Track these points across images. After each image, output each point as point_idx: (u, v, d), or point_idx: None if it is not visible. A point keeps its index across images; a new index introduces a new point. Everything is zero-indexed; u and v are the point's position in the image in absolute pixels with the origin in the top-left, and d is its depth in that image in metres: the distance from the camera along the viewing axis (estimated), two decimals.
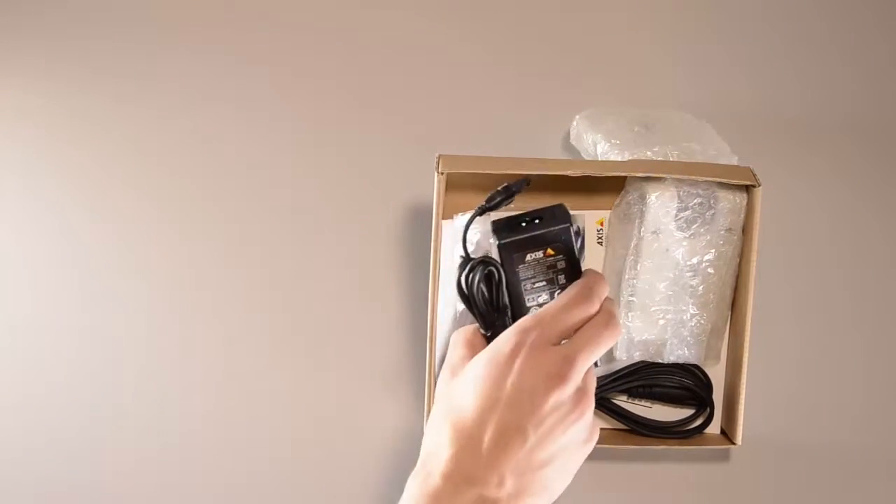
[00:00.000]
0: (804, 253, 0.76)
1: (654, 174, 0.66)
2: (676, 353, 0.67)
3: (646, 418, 0.69)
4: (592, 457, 0.71)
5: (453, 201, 0.68)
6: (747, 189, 0.67)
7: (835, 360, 0.74)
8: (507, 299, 0.56)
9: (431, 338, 0.65)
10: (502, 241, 0.56)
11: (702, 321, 0.67)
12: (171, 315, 0.73)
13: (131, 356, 0.72)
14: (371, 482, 0.71)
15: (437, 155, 0.66)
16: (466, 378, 0.50)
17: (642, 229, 0.67)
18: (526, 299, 0.56)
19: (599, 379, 0.68)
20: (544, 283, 0.56)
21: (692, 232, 0.66)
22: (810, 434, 0.72)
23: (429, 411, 0.66)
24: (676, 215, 0.66)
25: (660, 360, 0.68)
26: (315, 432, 0.71)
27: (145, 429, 0.71)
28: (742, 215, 0.67)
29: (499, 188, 0.57)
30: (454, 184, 0.67)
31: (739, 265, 0.68)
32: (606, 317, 0.51)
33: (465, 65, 0.80)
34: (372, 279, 0.74)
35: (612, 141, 0.71)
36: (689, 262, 0.67)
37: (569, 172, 0.65)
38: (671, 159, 0.69)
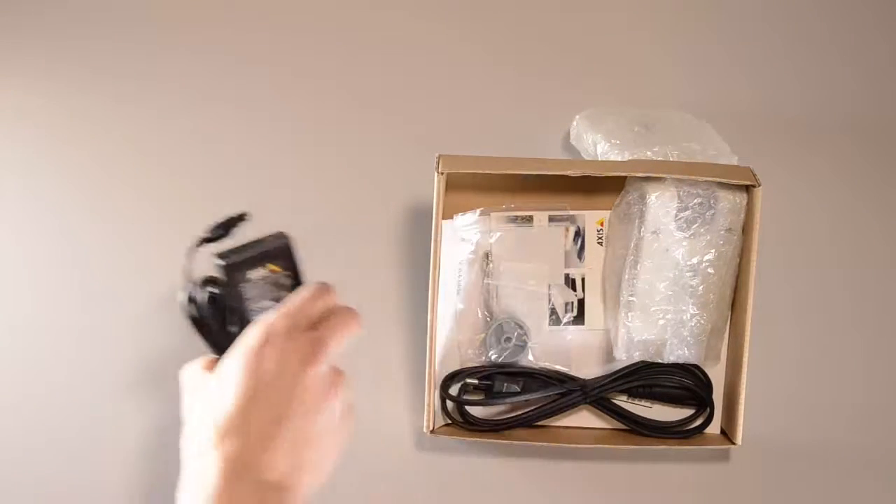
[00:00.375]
0: (804, 253, 0.76)
1: (654, 174, 0.66)
2: (676, 353, 0.67)
3: (646, 418, 0.69)
4: (593, 457, 0.71)
5: (453, 201, 0.68)
6: (747, 189, 0.67)
7: (835, 360, 0.74)
8: (235, 319, 0.55)
9: (431, 338, 0.66)
10: (226, 262, 0.55)
11: (702, 321, 0.67)
12: (171, 315, 0.73)
13: (131, 356, 0.72)
14: (371, 482, 0.71)
15: (437, 155, 0.66)
16: (219, 379, 0.50)
17: (642, 229, 0.67)
18: (253, 320, 0.54)
19: (599, 379, 0.68)
20: (271, 301, 0.56)
21: (692, 232, 0.66)
22: (810, 434, 0.72)
23: (430, 411, 0.66)
24: (676, 215, 0.66)
25: (660, 360, 0.67)
26: None
27: (145, 429, 0.71)
28: (742, 215, 0.67)
29: (219, 221, 0.58)
30: (454, 184, 0.67)
31: (739, 265, 0.68)
32: (347, 308, 0.54)
33: (465, 65, 0.80)
34: (372, 279, 0.74)
35: (612, 141, 0.71)
36: (689, 262, 0.67)
37: (569, 172, 0.65)
38: (671, 159, 0.69)
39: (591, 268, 0.71)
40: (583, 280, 0.70)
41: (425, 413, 0.66)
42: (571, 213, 0.71)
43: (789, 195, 0.76)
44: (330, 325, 0.53)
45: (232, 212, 0.58)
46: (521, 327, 0.69)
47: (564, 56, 0.81)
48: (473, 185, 0.70)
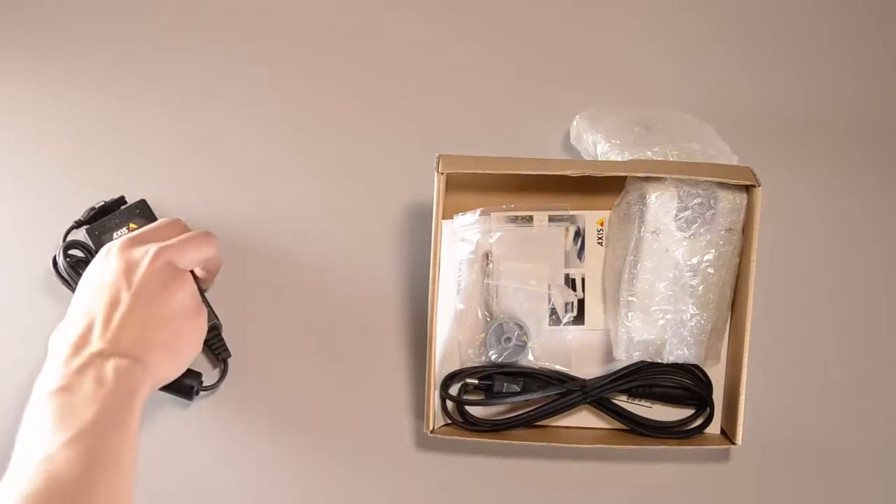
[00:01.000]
0: (804, 253, 0.76)
1: (654, 174, 0.65)
2: (676, 353, 0.67)
3: (646, 418, 0.69)
4: (593, 457, 0.71)
5: (454, 201, 0.68)
6: (747, 189, 0.67)
7: (835, 360, 0.74)
8: None
9: (431, 338, 0.65)
10: (88, 227, 0.70)
11: (702, 321, 0.67)
12: None
13: None
14: (371, 482, 0.71)
15: (436, 155, 0.66)
16: (76, 292, 0.58)
17: (642, 229, 0.67)
18: None
19: (599, 379, 0.68)
20: None
21: (692, 232, 0.66)
22: (810, 434, 0.72)
23: (430, 411, 0.66)
24: (676, 215, 0.66)
25: (659, 361, 0.67)
26: (314, 432, 0.71)
27: (145, 427, 0.71)
28: (742, 215, 0.67)
29: (94, 206, 0.71)
30: (454, 184, 0.68)
31: (739, 265, 0.68)
32: (201, 231, 0.63)
33: (465, 65, 0.80)
34: (372, 279, 0.74)
35: (612, 141, 0.71)
36: (689, 262, 0.67)
37: (569, 172, 0.65)
38: (671, 159, 0.69)
39: (591, 268, 0.71)
40: (583, 280, 0.70)
41: (425, 413, 0.66)
42: (571, 213, 0.71)
43: (789, 195, 0.76)
44: (177, 239, 0.60)
45: (108, 198, 0.71)
46: (521, 327, 0.69)
47: (564, 56, 0.81)
48: (473, 185, 0.70)
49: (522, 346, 0.69)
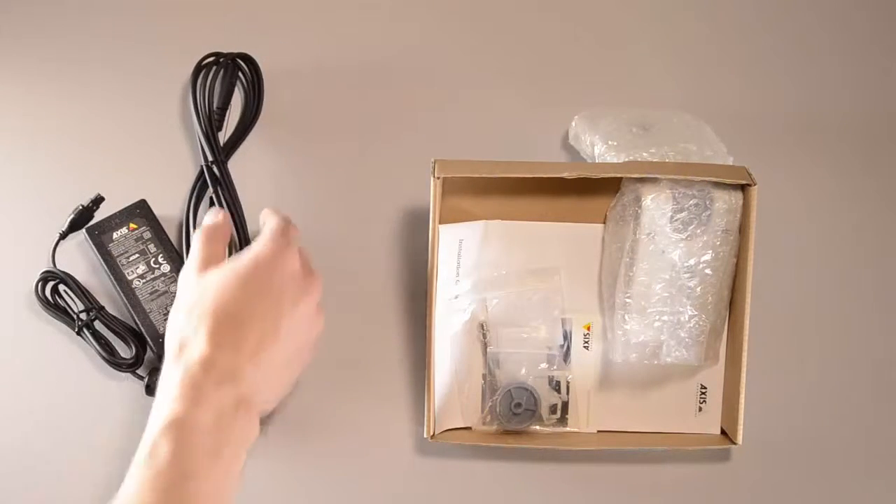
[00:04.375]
0: (802, 253, 0.75)
1: (648, 175, 0.65)
2: (674, 354, 0.67)
3: None
4: (593, 458, 0.71)
5: (453, 204, 0.68)
6: (743, 188, 0.66)
7: (834, 360, 0.74)
8: (113, 283, 0.69)
9: (429, 342, 0.66)
10: (87, 227, 0.69)
11: (700, 322, 0.67)
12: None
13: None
14: (373, 489, 0.71)
15: (432, 159, 0.65)
16: (231, 276, 0.54)
17: (637, 231, 0.66)
18: (126, 273, 0.69)
19: None
20: (137, 255, 0.69)
21: (689, 233, 0.66)
22: (810, 434, 0.72)
23: (431, 418, 0.66)
24: (672, 217, 0.66)
25: (656, 363, 0.67)
26: (313, 437, 0.71)
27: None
28: (738, 215, 0.67)
29: (73, 215, 0.71)
30: (452, 187, 0.68)
31: (737, 265, 0.68)
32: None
33: (464, 65, 0.80)
34: (370, 284, 0.74)
35: (609, 142, 0.70)
36: (686, 264, 0.66)
37: (564, 175, 0.65)
38: (667, 160, 0.69)
39: (577, 367, 0.70)
40: (567, 384, 0.69)
41: (425, 418, 0.66)
42: (562, 317, 0.70)
43: (788, 195, 0.76)
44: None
45: (85, 201, 0.71)
46: (528, 391, 0.68)
47: (563, 56, 0.81)
48: (473, 189, 0.70)
49: (532, 412, 0.68)
